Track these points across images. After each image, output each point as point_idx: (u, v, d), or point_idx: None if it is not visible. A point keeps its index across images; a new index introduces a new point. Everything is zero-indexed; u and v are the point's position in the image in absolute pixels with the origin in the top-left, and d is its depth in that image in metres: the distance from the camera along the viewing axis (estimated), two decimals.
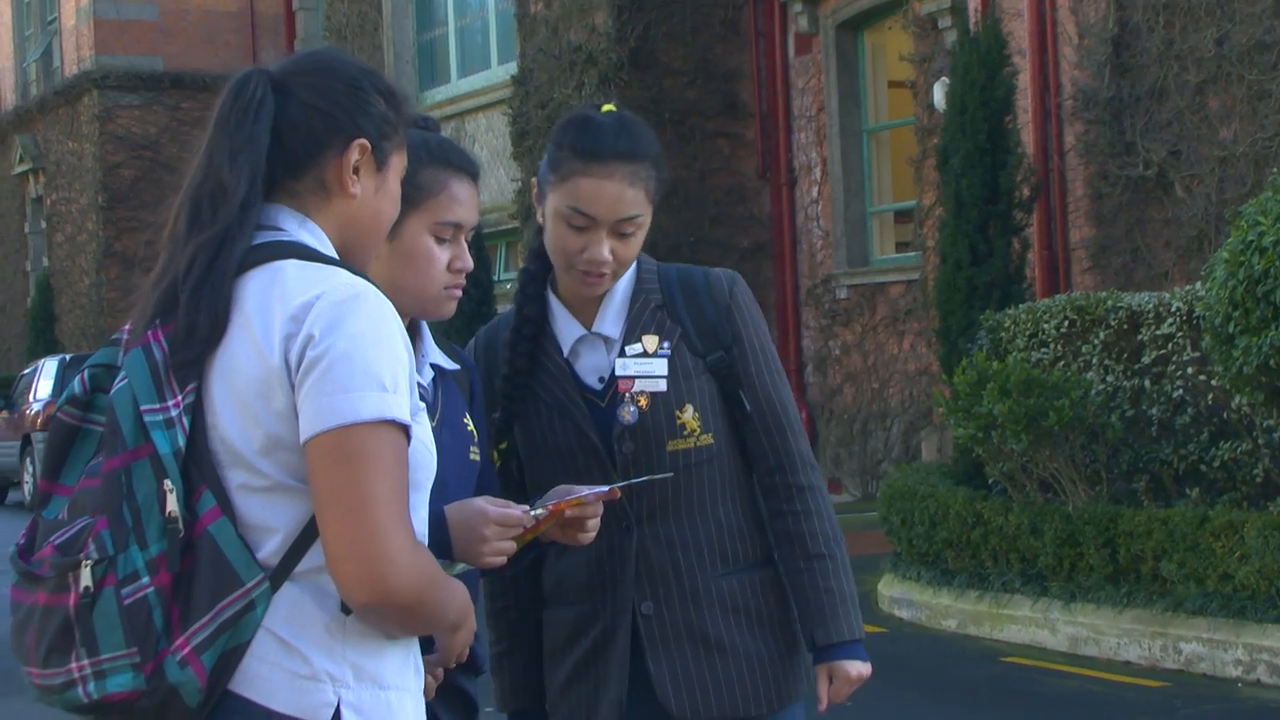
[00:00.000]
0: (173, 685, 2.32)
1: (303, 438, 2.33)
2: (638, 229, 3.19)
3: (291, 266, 2.41)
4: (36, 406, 22.15)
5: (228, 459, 2.38)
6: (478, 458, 3.23)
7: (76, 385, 2.49)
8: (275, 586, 2.36)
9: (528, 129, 19.58)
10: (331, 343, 2.33)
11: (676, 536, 3.19)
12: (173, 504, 2.35)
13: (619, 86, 18.23)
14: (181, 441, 2.37)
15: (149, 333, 2.43)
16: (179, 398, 2.39)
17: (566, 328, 3.26)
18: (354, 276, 2.41)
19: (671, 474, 3.14)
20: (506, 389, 3.25)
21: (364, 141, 2.53)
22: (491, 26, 21.94)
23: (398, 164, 2.61)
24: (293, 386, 2.35)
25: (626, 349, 3.21)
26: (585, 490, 2.98)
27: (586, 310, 3.26)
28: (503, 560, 2.99)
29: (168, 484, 2.35)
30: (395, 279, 3.08)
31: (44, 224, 32.85)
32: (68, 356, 23.57)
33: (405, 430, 2.36)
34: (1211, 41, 11.60)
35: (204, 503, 2.36)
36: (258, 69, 2.56)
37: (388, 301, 2.42)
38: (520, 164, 19.81)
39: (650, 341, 3.22)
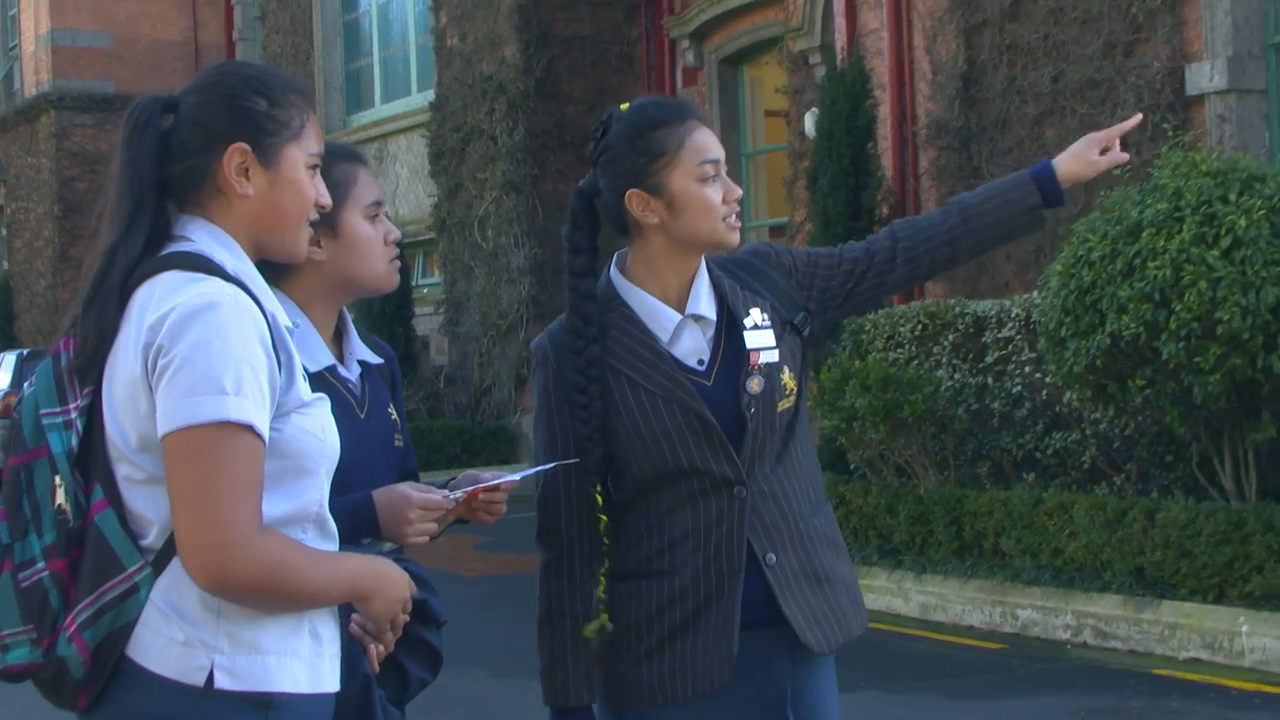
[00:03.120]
0: (61, 659, 2.35)
1: (158, 437, 2.32)
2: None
3: (169, 278, 2.37)
4: None
5: (115, 454, 2.38)
6: (401, 444, 3.21)
7: (26, 388, 2.48)
8: (158, 570, 2.35)
9: (444, 150, 19.50)
10: (177, 351, 2.30)
11: (779, 489, 3.05)
12: (61, 497, 2.37)
13: (526, 113, 18.19)
14: (74, 441, 2.38)
15: (60, 343, 2.44)
16: (78, 400, 2.40)
17: (663, 314, 3.06)
18: (221, 285, 2.36)
19: (577, 460, 3.01)
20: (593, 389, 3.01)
21: (240, 145, 2.47)
22: (412, 58, 21.82)
23: (294, 155, 2.53)
24: (151, 390, 2.33)
25: (745, 324, 3.05)
26: (493, 477, 2.98)
27: (673, 296, 3.08)
28: (425, 540, 2.98)
29: (58, 479, 2.37)
30: (348, 269, 3.10)
31: (4, 231, 32.31)
32: (25, 351, 23.20)
33: (250, 428, 2.30)
34: (1049, 79, 11.72)
35: (95, 495, 2.38)
36: (149, 96, 2.52)
37: (247, 308, 2.36)
38: (436, 181, 19.72)
39: (758, 315, 3.07)
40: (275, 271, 2.90)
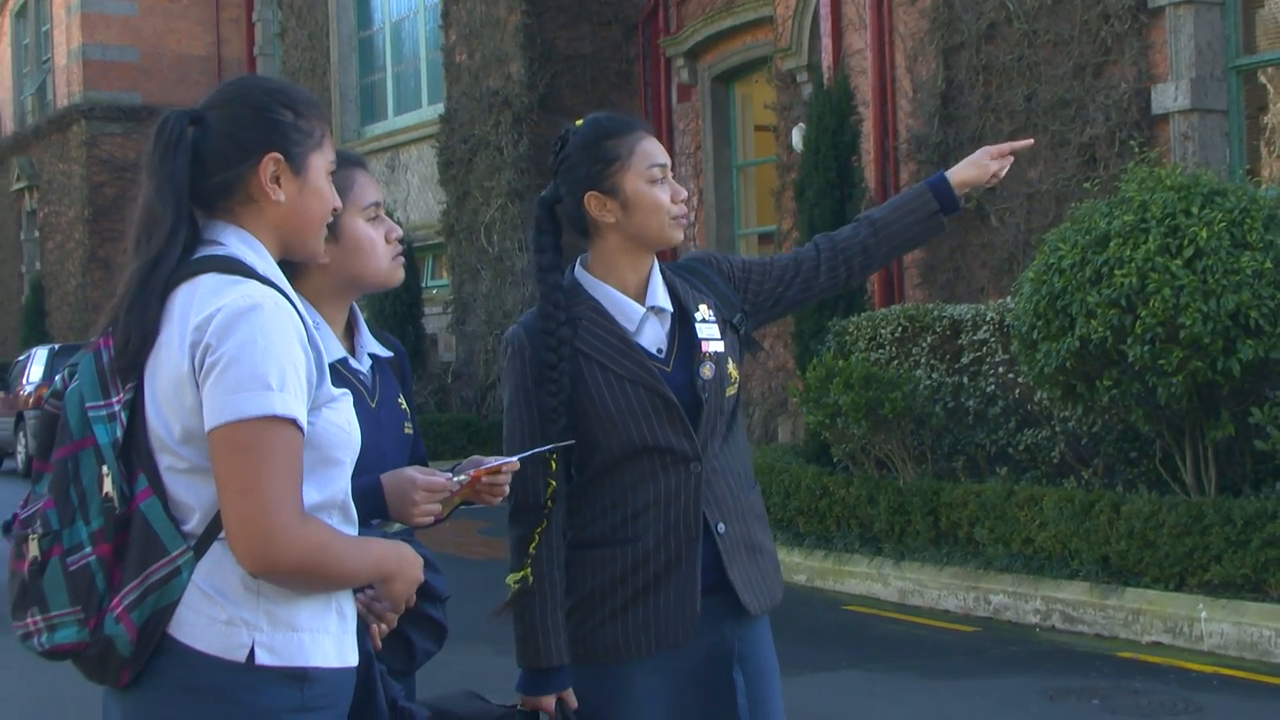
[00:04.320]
0: (109, 637, 2.36)
1: (205, 430, 2.32)
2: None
3: (209, 280, 2.39)
4: (29, 388, 21.76)
5: (157, 445, 2.38)
6: (410, 431, 3.22)
7: (58, 382, 2.50)
8: (199, 554, 2.36)
9: (452, 159, 19.50)
10: (224, 350, 2.31)
11: (725, 466, 3.20)
12: (108, 486, 2.38)
13: (529, 126, 18.19)
14: (119, 433, 2.39)
15: (100, 340, 2.45)
16: (121, 395, 2.40)
17: (628, 307, 3.19)
18: (261, 288, 2.37)
19: (573, 442, 3.10)
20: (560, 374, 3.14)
21: (275, 154, 2.48)
22: (423, 73, 21.81)
23: (318, 163, 2.55)
24: (198, 386, 2.33)
25: (696, 317, 3.21)
26: (494, 461, 3.00)
27: (632, 291, 3.21)
28: (430, 520, 2.99)
29: (105, 469, 2.38)
30: (351, 270, 3.09)
31: (37, 233, 32.31)
32: (56, 346, 23.20)
33: (293, 422, 2.32)
34: (1022, 98, 11.73)
35: (139, 484, 2.38)
36: (176, 111, 2.52)
37: (286, 309, 2.38)
38: (445, 189, 19.72)
39: (705, 310, 3.23)
40: (286, 272, 2.92)
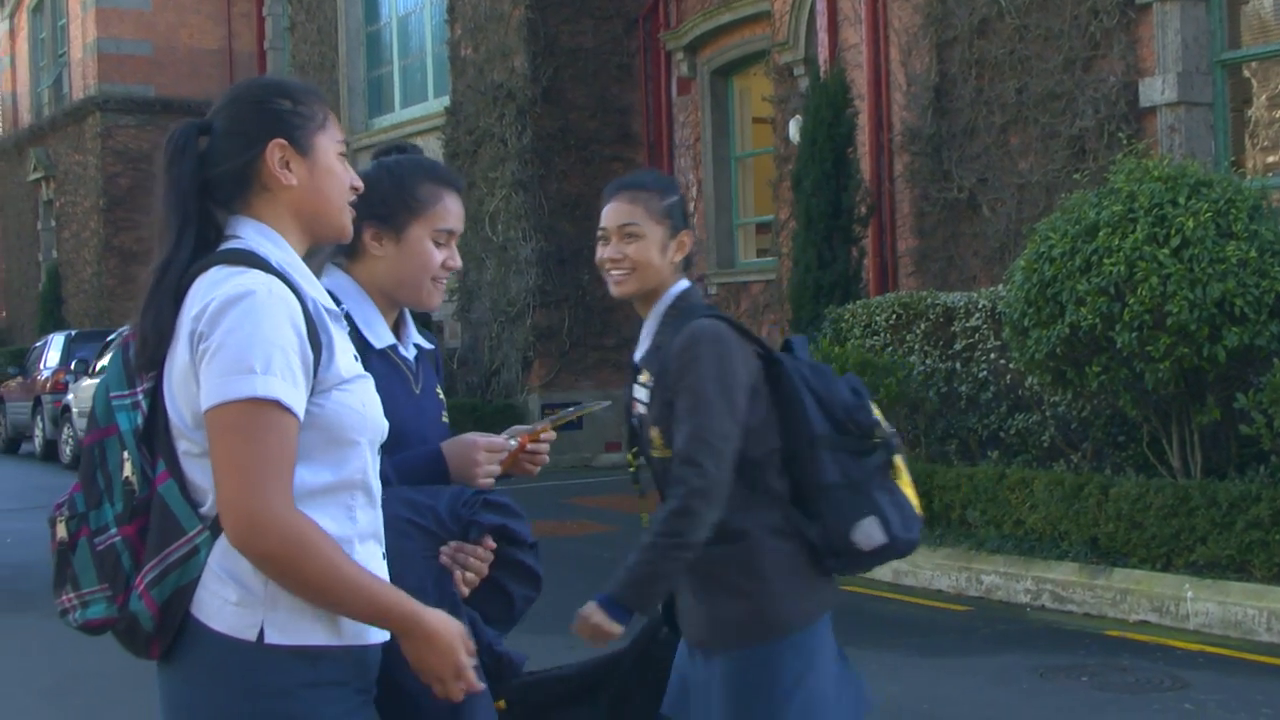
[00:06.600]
0: (133, 614, 2.41)
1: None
2: (635, 237, 3.36)
3: (215, 272, 2.41)
4: (46, 373, 21.74)
5: (175, 431, 2.42)
6: (447, 420, 3.26)
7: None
8: (215, 534, 2.38)
9: (458, 151, 19.48)
10: (214, 337, 2.34)
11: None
12: (128, 470, 2.45)
13: (533, 118, 18.17)
14: (139, 421, 2.46)
15: (129, 334, 2.51)
16: (143, 384, 2.47)
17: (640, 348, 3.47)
18: (258, 276, 2.38)
19: (608, 403, 3.42)
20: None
21: (279, 140, 2.51)
22: (429, 66, 21.78)
23: (325, 143, 2.56)
24: (197, 373, 2.37)
25: (639, 377, 3.40)
26: (532, 427, 3.17)
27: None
28: (491, 481, 3.04)
29: (125, 454, 2.45)
30: (399, 274, 3.12)
31: (54, 222, 32.26)
32: (72, 332, 23.16)
33: (278, 404, 2.32)
34: (1013, 91, 11.72)
35: (159, 468, 2.43)
36: (185, 122, 2.55)
37: (281, 295, 2.38)
38: None
39: (646, 376, 3.37)
40: (345, 253, 3.07)
